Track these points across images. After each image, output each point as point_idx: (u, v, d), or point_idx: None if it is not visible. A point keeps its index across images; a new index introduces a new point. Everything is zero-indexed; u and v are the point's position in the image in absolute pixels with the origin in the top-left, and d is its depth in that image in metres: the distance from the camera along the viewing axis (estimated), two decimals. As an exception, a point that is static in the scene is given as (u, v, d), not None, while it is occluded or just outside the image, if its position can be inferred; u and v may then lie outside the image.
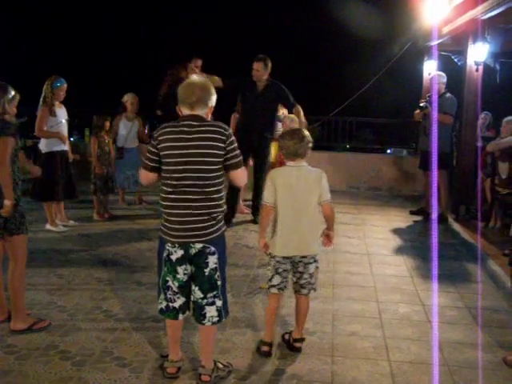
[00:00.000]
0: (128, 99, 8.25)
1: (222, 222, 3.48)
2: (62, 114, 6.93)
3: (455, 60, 10.68)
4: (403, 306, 4.96)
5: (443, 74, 8.35)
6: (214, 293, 3.44)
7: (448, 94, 8.15)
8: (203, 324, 3.48)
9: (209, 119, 3.47)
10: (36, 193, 6.97)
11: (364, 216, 8.67)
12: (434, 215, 7.92)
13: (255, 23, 18.32)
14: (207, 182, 3.33)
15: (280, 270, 3.88)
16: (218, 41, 17.95)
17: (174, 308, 3.48)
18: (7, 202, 4.08)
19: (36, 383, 3.46)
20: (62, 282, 5.25)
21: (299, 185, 3.81)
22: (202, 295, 3.43)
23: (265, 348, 3.92)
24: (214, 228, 3.39)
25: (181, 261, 3.40)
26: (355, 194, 10.55)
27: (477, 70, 8.04)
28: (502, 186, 7.20)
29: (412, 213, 8.82)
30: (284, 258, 3.86)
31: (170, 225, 3.37)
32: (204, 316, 3.45)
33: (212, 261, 3.41)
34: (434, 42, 9.53)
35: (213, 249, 3.39)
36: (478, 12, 7.29)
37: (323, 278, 5.52)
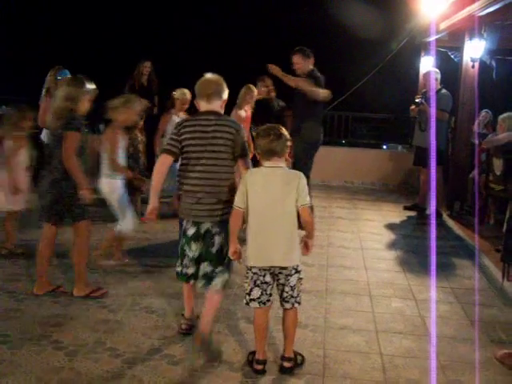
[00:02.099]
0: (179, 96, 7.17)
1: (228, 207, 3.74)
2: None
3: (452, 56, 10.67)
4: (396, 301, 4.98)
5: (438, 71, 8.37)
6: (221, 267, 3.81)
7: (443, 91, 8.17)
8: (209, 290, 3.83)
9: (222, 111, 3.94)
10: None
11: (358, 211, 8.69)
12: (432, 211, 7.95)
13: (253, 22, 18.27)
14: (218, 170, 3.77)
15: (258, 283, 3.58)
16: (217, 40, 17.90)
17: (187, 273, 3.91)
18: (83, 191, 4.45)
19: (28, 373, 3.47)
20: (56, 274, 5.25)
21: (274, 189, 3.53)
22: (211, 269, 3.80)
23: (258, 367, 3.64)
24: (221, 211, 3.78)
25: (194, 237, 3.83)
26: (350, 189, 10.57)
27: (473, 67, 8.05)
28: (496, 183, 7.21)
29: (406, 208, 8.84)
30: (261, 269, 3.57)
31: (185, 205, 3.84)
32: (209, 284, 3.82)
33: (218, 239, 3.79)
34: (431, 38, 9.52)
35: (218, 229, 3.78)
36: (475, 8, 7.28)
37: (317, 272, 5.55)
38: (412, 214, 8.58)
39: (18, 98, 10.32)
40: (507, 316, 4.68)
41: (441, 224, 7.92)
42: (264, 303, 3.62)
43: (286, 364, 3.66)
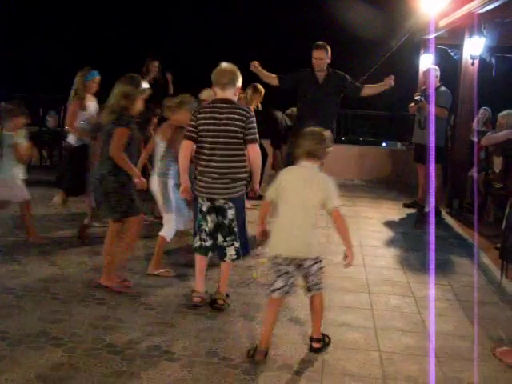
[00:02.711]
0: (205, 97, 6.54)
1: (241, 185, 4.35)
2: (93, 107, 6.61)
3: (451, 54, 10.66)
4: (395, 298, 4.98)
5: (437, 68, 8.37)
6: (232, 237, 4.39)
7: (442, 88, 8.16)
8: (224, 261, 4.47)
9: (236, 99, 4.35)
10: (73, 188, 6.70)
11: (358, 208, 8.69)
12: (432, 208, 7.95)
13: (253, 22, 18.27)
14: (230, 153, 4.24)
15: (281, 273, 3.72)
16: (217, 40, 17.89)
17: (206, 247, 4.48)
18: (135, 180, 4.76)
19: (27, 369, 3.47)
20: (55, 270, 5.26)
21: (304, 187, 3.74)
22: (223, 239, 4.40)
23: (259, 357, 3.72)
24: (233, 189, 4.30)
25: (209, 211, 4.38)
26: (350, 187, 10.56)
27: (472, 64, 8.04)
28: (496, 180, 7.22)
29: (406, 206, 8.84)
30: (285, 259, 3.71)
31: (201, 183, 4.34)
32: (225, 254, 4.44)
33: (230, 213, 4.34)
34: (431, 36, 9.51)
35: (231, 204, 4.32)
36: (474, 6, 7.27)
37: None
38: (412, 211, 8.58)
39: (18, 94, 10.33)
40: (506, 313, 4.69)
41: (440, 221, 7.93)
42: (286, 293, 3.77)
43: (316, 345, 3.91)
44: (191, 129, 4.32)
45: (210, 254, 4.55)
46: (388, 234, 7.25)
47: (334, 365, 3.73)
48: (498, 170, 7.17)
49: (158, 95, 9.57)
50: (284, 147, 9.07)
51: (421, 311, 4.70)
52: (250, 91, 7.63)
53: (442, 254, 6.40)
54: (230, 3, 18.17)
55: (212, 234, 4.46)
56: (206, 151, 4.29)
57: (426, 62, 10.33)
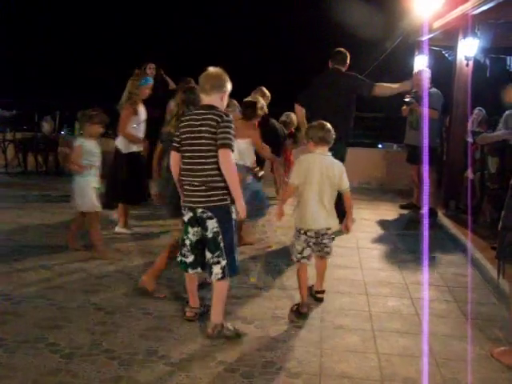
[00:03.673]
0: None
1: (223, 194, 3.99)
2: (143, 112, 6.63)
3: (446, 55, 10.70)
4: (392, 300, 4.98)
5: (428, 70, 8.42)
6: (218, 253, 4.03)
7: (433, 89, 8.22)
8: (211, 279, 4.14)
9: (222, 103, 4.12)
10: (133, 197, 6.70)
11: (354, 210, 8.56)
12: (425, 210, 7.97)
13: (253, 22, 18.28)
14: (205, 160, 3.96)
15: (310, 244, 4.60)
16: (217, 40, 17.90)
17: (186, 263, 4.21)
18: None
19: (25, 376, 3.46)
20: (52, 276, 5.24)
21: (326, 171, 4.56)
22: (209, 255, 4.06)
23: (305, 309, 4.53)
24: (212, 198, 3.98)
25: (190, 222, 4.12)
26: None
27: (467, 65, 8.06)
28: (492, 181, 7.22)
29: (402, 207, 8.85)
30: (312, 231, 4.57)
31: (183, 193, 4.12)
32: (211, 273, 4.07)
33: (211, 225, 4.02)
34: (425, 37, 9.53)
35: (209, 214, 4.01)
36: (468, 7, 7.30)
37: (312, 271, 5.53)
38: (408, 212, 8.59)
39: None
40: (503, 313, 4.68)
41: (437, 222, 7.93)
42: (308, 259, 4.65)
43: (319, 295, 4.85)
44: (175, 139, 4.16)
45: (196, 270, 4.23)
46: (385, 235, 7.26)
47: (332, 367, 3.72)
48: (493, 171, 7.17)
49: (156, 97, 9.66)
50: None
51: (418, 312, 4.70)
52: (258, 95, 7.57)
53: (439, 254, 6.41)
54: (230, 3, 18.18)
55: (195, 249, 4.15)
56: (184, 159, 4.08)
57: (421, 63, 10.35)
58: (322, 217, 4.58)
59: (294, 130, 8.91)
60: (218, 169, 3.94)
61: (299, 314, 4.52)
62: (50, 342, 3.90)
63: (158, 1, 18.96)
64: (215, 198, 4.00)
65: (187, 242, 4.18)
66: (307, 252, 4.61)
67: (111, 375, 3.50)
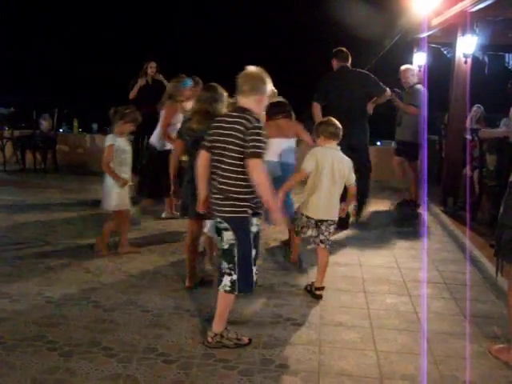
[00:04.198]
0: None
1: (243, 206, 3.74)
2: (180, 113, 6.71)
3: (444, 52, 10.69)
4: (390, 297, 4.99)
5: (412, 67, 8.55)
6: (230, 265, 3.80)
7: (417, 86, 8.36)
8: (218, 288, 3.89)
9: (258, 107, 3.87)
10: (154, 191, 6.87)
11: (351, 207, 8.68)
12: (424, 207, 7.99)
13: (253, 22, 18.27)
14: (227, 167, 3.73)
15: (320, 230, 4.87)
16: (217, 40, 17.90)
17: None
18: None
19: (23, 374, 3.45)
20: (50, 273, 5.24)
21: (337, 164, 4.80)
22: (224, 265, 3.84)
23: (319, 292, 4.87)
24: (229, 208, 3.74)
25: (216, 229, 3.98)
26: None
27: (465, 63, 8.07)
28: (490, 178, 7.23)
29: (399, 204, 8.86)
30: (322, 221, 4.85)
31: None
32: (220, 282, 3.86)
33: (227, 236, 3.78)
34: (424, 34, 9.53)
35: (225, 225, 3.78)
36: (466, 4, 7.30)
37: (311, 269, 5.54)
38: (406, 209, 8.59)
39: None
40: (501, 311, 4.69)
41: (434, 220, 7.94)
42: (303, 234, 5.05)
43: (318, 292, 4.88)
44: (207, 138, 3.93)
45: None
46: (383, 232, 7.26)
47: (330, 365, 3.73)
48: (492, 168, 7.18)
49: (157, 95, 9.81)
50: None
51: (417, 310, 4.71)
52: None
53: (437, 252, 6.42)
54: (230, 3, 18.17)
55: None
56: (212, 163, 3.86)
57: (419, 60, 10.35)
58: (333, 208, 4.86)
59: None
60: (242, 179, 3.70)
61: (314, 295, 4.87)
62: (49, 340, 3.89)
63: (158, 1, 18.95)
64: (233, 209, 3.74)
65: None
66: (321, 237, 4.88)
67: (110, 373, 3.50)
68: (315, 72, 7.15)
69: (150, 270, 5.43)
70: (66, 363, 3.59)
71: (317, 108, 7.17)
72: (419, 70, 11.00)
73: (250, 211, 3.76)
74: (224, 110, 4.77)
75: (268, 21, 18.31)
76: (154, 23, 18.63)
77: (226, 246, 3.80)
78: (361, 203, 7.30)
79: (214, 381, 3.47)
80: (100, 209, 5.91)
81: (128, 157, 5.78)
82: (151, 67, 9.77)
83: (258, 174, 3.63)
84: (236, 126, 3.69)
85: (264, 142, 3.71)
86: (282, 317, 4.43)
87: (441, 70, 9.19)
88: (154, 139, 6.88)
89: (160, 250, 6.04)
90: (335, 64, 7.36)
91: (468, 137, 8.18)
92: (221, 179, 3.75)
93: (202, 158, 3.95)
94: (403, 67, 8.64)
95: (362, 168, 6.69)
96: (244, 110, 3.76)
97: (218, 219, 3.82)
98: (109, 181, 5.68)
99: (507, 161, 6.65)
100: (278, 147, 5.70)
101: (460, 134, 8.36)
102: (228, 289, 3.83)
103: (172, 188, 5.28)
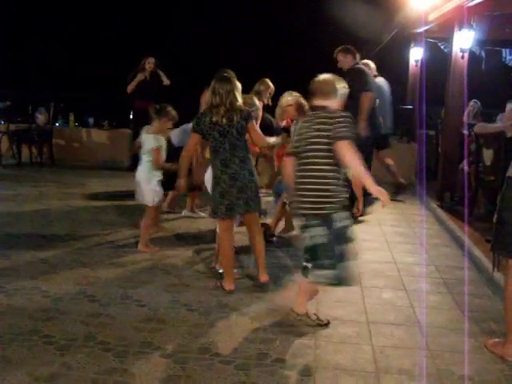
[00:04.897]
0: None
1: (335, 202, 3.91)
2: None
3: (441, 47, 10.69)
4: (387, 292, 4.99)
5: (369, 62, 8.31)
6: (325, 261, 3.94)
7: (378, 79, 8.25)
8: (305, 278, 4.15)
9: (337, 108, 4.01)
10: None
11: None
12: (423, 202, 8.00)
13: (253, 22, 18.25)
14: (321, 167, 3.89)
15: None
16: (217, 40, 17.87)
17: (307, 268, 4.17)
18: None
19: (19, 368, 3.45)
20: (46, 268, 5.23)
21: None
22: (314, 258, 3.99)
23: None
24: (322, 205, 3.90)
25: (304, 228, 4.06)
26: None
27: (462, 58, 8.06)
28: (487, 173, 7.23)
29: (393, 200, 8.84)
30: None
31: (297, 199, 4.07)
32: (308, 274, 4.10)
33: (318, 232, 3.93)
34: (421, 29, 9.53)
35: (316, 221, 3.94)
36: (463, -1, 7.29)
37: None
38: (402, 205, 8.60)
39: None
40: (497, 306, 4.70)
41: (431, 214, 7.96)
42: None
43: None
44: (294, 144, 4.13)
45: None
46: (379, 227, 7.27)
47: (326, 359, 3.73)
48: (488, 163, 7.18)
49: (154, 90, 9.92)
50: None
51: (413, 304, 4.71)
52: (262, 87, 7.53)
53: (434, 247, 6.43)
54: (230, 3, 18.13)
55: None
56: (300, 167, 4.02)
57: (416, 55, 10.35)
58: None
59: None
60: (335, 177, 3.90)
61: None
62: (45, 334, 3.88)
63: (158, 1, 18.91)
64: (325, 206, 3.90)
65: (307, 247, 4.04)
66: None
67: (106, 367, 3.50)
68: (315, 72, 7.11)
69: (147, 265, 5.42)
70: (62, 357, 3.59)
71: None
72: (416, 65, 11.04)
73: (339, 206, 3.92)
74: (241, 99, 4.81)
75: (268, 21, 18.28)
76: (154, 23, 18.60)
77: (316, 242, 3.92)
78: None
79: (211, 375, 3.47)
80: (136, 200, 5.92)
81: (164, 153, 5.79)
82: (149, 63, 9.90)
83: (350, 154, 3.77)
84: (322, 125, 3.86)
85: (351, 127, 3.85)
86: (278, 311, 4.43)
87: (437, 64, 9.18)
88: (173, 135, 6.78)
89: (157, 243, 6.02)
90: (351, 60, 7.30)
91: (465, 132, 8.18)
92: (313, 179, 3.90)
93: (289, 162, 4.12)
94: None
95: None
96: (326, 107, 3.97)
97: (309, 217, 3.94)
98: (144, 176, 5.68)
99: (504, 156, 6.66)
100: None
101: (457, 129, 8.36)
102: (324, 281, 3.99)
103: (195, 183, 5.28)
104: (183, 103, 6.93)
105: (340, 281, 3.96)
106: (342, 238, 3.94)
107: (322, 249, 3.93)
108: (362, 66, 7.41)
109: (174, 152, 6.63)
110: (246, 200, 4.72)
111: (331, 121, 3.84)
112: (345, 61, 7.29)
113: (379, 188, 3.87)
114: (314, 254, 3.97)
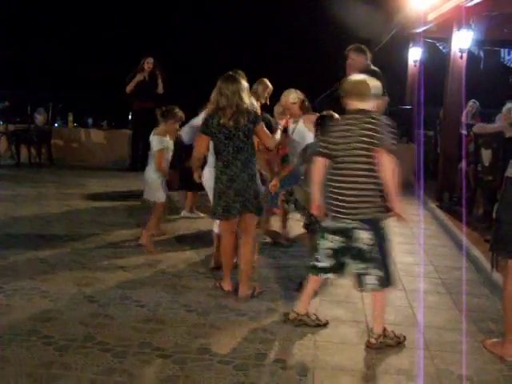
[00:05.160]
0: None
1: (379, 205, 3.86)
2: None
3: (440, 47, 10.70)
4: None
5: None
6: (373, 264, 3.88)
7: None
8: (361, 289, 4.04)
9: (375, 110, 3.92)
10: (185, 183, 6.82)
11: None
12: (422, 202, 7.99)
13: (253, 22, 18.24)
14: (358, 172, 3.82)
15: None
16: (217, 40, 17.87)
17: (317, 267, 4.14)
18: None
19: (18, 368, 3.44)
20: (45, 268, 5.23)
21: None
22: (362, 265, 3.92)
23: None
24: (367, 210, 3.85)
25: (335, 231, 4.02)
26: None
27: (461, 58, 8.07)
28: (485, 173, 7.24)
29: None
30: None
31: (333, 202, 3.97)
32: (363, 283, 3.96)
33: (365, 236, 3.86)
34: (420, 29, 9.54)
35: (363, 226, 3.87)
36: (462, -1, 7.30)
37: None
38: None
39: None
40: (496, 306, 4.70)
41: (429, 215, 7.95)
42: None
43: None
44: (322, 144, 4.02)
45: (327, 275, 4.18)
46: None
47: (325, 360, 3.73)
48: (487, 163, 7.18)
49: (153, 91, 9.96)
50: None
51: (412, 305, 4.72)
52: (260, 87, 7.51)
53: (432, 247, 6.43)
54: (230, 3, 18.12)
55: (333, 257, 4.09)
56: (336, 171, 3.94)
57: (415, 55, 10.36)
58: None
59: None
60: (372, 182, 3.81)
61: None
62: (44, 335, 3.88)
63: (158, 1, 18.90)
64: (371, 210, 3.86)
65: (325, 249, 4.02)
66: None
67: (105, 367, 3.50)
68: (315, 72, 7.13)
69: (146, 265, 5.42)
70: (61, 358, 3.59)
71: None
72: (414, 66, 11.04)
73: (384, 210, 3.88)
74: (249, 100, 4.69)
75: (268, 21, 18.26)
76: (153, 23, 18.58)
77: (364, 247, 3.86)
78: None
79: (210, 375, 3.47)
80: (142, 200, 6.00)
81: (171, 154, 5.82)
82: (148, 63, 9.92)
83: (388, 166, 3.72)
84: (367, 131, 3.75)
85: (394, 137, 3.79)
86: (277, 311, 4.43)
87: (436, 64, 9.18)
88: (183, 133, 6.74)
89: (157, 244, 6.02)
90: (363, 60, 7.27)
91: (464, 132, 8.19)
92: (355, 185, 3.82)
93: (319, 164, 4.03)
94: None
95: None
96: (367, 112, 3.85)
97: (353, 222, 3.86)
98: (153, 175, 5.71)
99: (502, 156, 6.67)
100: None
101: (455, 129, 8.37)
102: (377, 286, 3.92)
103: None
104: (183, 103, 6.94)
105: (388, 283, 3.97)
106: (354, 252, 3.92)
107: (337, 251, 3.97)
108: (377, 69, 7.35)
109: (185, 149, 6.64)
110: (243, 202, 4.64)
111: (378, 128, 3.74)
112: (356, 59, 7.16)
113: (401, 210, 3.86)
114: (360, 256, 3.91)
